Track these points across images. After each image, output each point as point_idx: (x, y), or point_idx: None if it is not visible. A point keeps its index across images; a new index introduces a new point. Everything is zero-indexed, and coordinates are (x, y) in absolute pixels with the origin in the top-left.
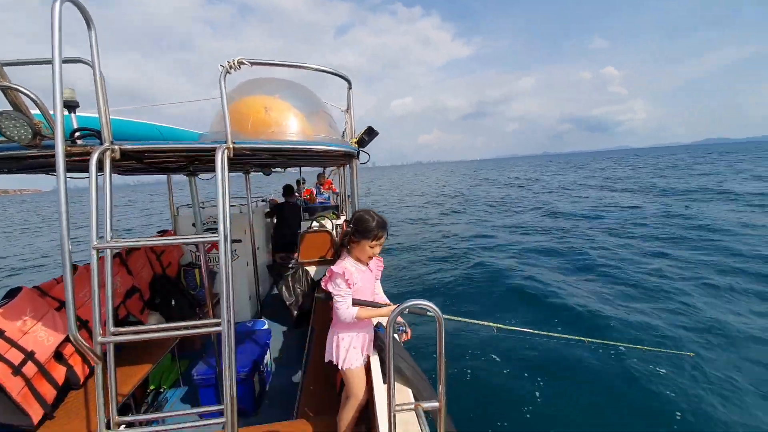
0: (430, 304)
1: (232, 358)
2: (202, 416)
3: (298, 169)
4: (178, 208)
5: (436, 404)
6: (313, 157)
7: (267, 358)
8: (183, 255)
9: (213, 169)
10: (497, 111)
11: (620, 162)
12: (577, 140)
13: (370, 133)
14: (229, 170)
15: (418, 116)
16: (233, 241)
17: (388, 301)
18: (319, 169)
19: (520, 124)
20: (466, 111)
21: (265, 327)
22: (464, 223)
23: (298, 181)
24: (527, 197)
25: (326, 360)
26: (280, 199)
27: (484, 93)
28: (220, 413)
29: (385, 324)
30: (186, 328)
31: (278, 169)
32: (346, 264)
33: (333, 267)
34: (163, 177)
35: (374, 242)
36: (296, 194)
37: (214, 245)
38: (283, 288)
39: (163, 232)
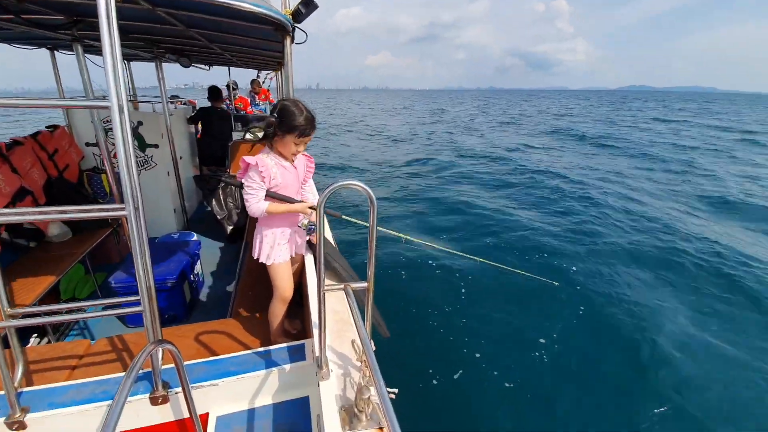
0: (360, 183)
1: (144, 248)
2: (128, 324)
3: (227, 70)
4: (71, 98)
5: (365, 284)
6: (235, 29)
7: (198, 268)
8: (83, 158)
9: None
10: (448, 36)
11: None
12: (521, 77)
13: (308, 5)
14: (135, 55)
15: (366, 34)
16: (150, 146)
17: (316, 195)
18: (253, 74)
19: (470, 54)
20: (417, 34)
21: (194, 238)
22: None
23: (228, 87)
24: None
25: (254, 257)
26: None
27: (436, 14)
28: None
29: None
30: (82, 212)
31: (203, 66)
32: (264, 156)
33: (246, 157)
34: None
35: (300, 139)
36: (227, 101)
37: None
38: (214, 202)
39: (53, 128)
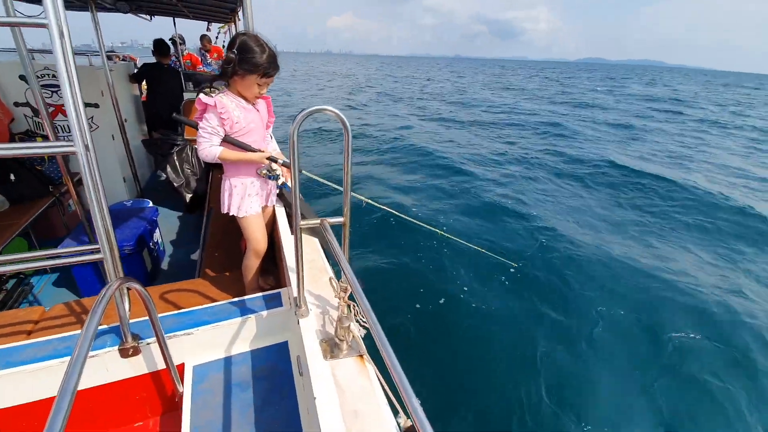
0: (333, 109)
1: (98, 187)
2: (82, 295)
3: (172, 21)
4: None
5: (341, 219)
6: None
7: (157, 236)
8: (13, 119)
9: None
10: None
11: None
12: (486, 46)
13: None
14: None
15: None
16: (87, 105)
17: (276, 146)
18: (201, 29)
19: (436, 18)
20: None
21: (150, 205)
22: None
23: (174, 41)
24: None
25: (223, 212)
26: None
27: None
28: (99, 289)
29: (290, 183)
30: (26, 149)
31: (144, 16)
32: (223, 97)
33: (204, 97)
34: None
35: (263, 79)
36: (173, 57)
37: (59, 109)
38: (168, 168)
39: None
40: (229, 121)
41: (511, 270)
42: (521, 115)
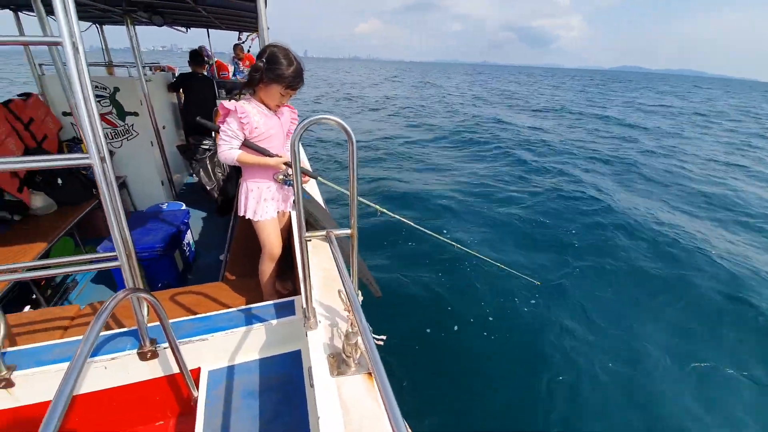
0: (336, 118)
1: (114, 196)
2: (119, 290)
3: (206, 32)
4: (41, 65)
5: (348, 231)
6: None
7: (188, 238)
8: (62, 128)
9: None
10: (443, 5)
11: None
12: (516, 53)
13: None
14: (104, 15)
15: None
16: (129, 114)
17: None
18: (233, 39)
19: (464, 25)
20: (411, 1)
21: (183, 208)
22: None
23: (202, 52)
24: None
25: (239, 214)
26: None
27: None
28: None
29: (309, 191)
30: (46, 161)
31: (180, 28)
32: (245, 103)
33: (226, 102)
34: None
35: (287, 90)
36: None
37: (102, 118)
38: (201, 172)
39: (26, 96)
40: (249, 126)
41: (535, 288)
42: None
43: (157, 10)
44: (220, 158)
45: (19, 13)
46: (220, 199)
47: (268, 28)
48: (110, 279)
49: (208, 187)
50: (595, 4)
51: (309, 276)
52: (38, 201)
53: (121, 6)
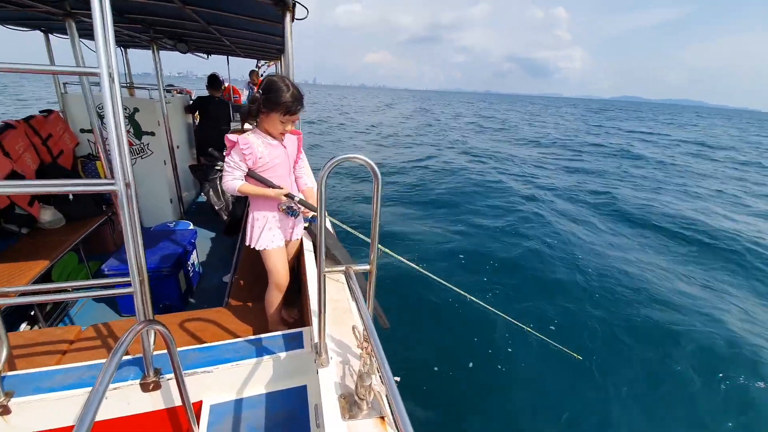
0: (364, 157)
1: (135, 225)
2: (122, 313)
3: (226, 61)
4: (65, 84)
5: (367, 267)
6: (234, 4)
7: (194, 258)
8: (78, 144)
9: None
10: (448, 38)
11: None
12: (518, 82)
13: None
14: (131, 40)
15: (366, 31)
16: (146, 133)
17: (314, 182)
18: (251, 66)
19: (468, 57)
20: (417, 34)
21: (191, 228)
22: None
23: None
24: None
25: (246, 243)
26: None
27: (437, 15)
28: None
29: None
30: (70, 186)
31: (201, 55)
32: (249, 135)
33: (230, 135)
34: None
35: (286, 116)
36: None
37: None
38: (211, 192)
39: (47, 113)
40: (251, 157)
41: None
42: None
43: (182, 39)
44: (224, 189)
45: (50, 35)
46: (228, 219)
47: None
48: (110, 298)
49: (217, 207)
50: (596, 35)
51: (324, 312)
52: (47, 215)
53: (149, 33)
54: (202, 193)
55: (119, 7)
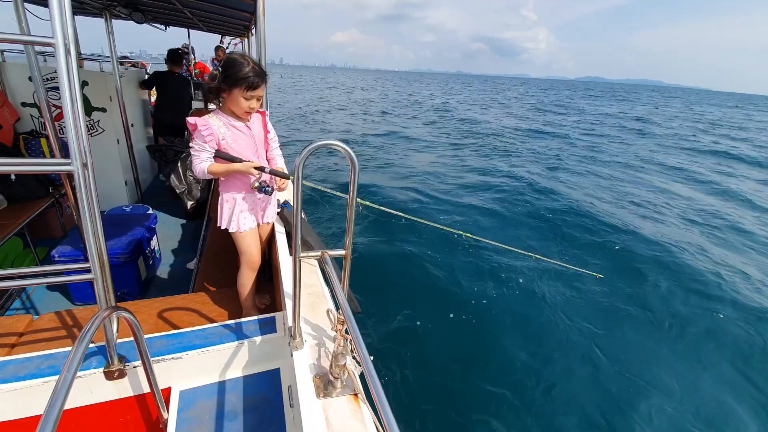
0: (340, 144)
1: (94, 208)
2: (75, 301)
3: (186, 32)
4: (3, 51)
5: (343, 252)
6: None
7: (154, 243)
8: (19, 119)
9: None
10: (416, 16)
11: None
12: (488, 63)
13: None
14: (80, 7)
15: (333, 8)
16: (96, 109)
17: (283, 165)
18: (214, 41)
19: (437, 36)
20: (386, 12)
21: (150, 212)
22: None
23: (182, 50)
24: None
25: (218, 225)
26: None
27: None
28: (92, 295)
29: (292, 203)
30: (23, 165)
31: (159, 26)
32: (211, 116)
33: (190, 118)
34: None
35: (249, 92)
36: (185, 67)
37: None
38: (172, 174)
39: None
40: (213, 138)
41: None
42: None
43: (138, 7)
44: (194, 174)
45: None
46: (191, 203)
47: (254, 36)
48: (62, 285)
49: (178, 191)
50: (560, 16)
51: (299, 296)
52: None
53: (104, 5)
54: (161, 176)
55: None
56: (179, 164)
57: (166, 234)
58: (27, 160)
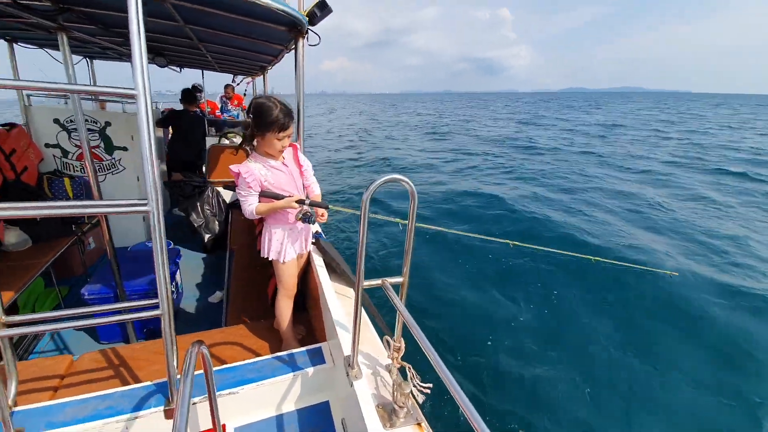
0: (404, 177)
1: (162, 246)
2: (100, 340)
3: (200, 74)
4: (29, 96)
5: (400, 279)
6: (239, 27)
7: (177, 278)
8: (43, 160)
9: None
10: (402, 42)
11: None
12: (473, 81)
13: (323, 8)
14: (103, 52)
15: (321, 37)
16: (117, 148)
17: (319, 192)
18: (225, 80)
19: (424, 59)
20: (372, 39)
21: (172, 246)
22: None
23: (195, 88)
24: None
25: (262, 256)
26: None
27: (387, 20)
28: (120, 334)
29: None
30: (105, 207)
31: (175, 68)
32: (250, 162)
33: (233, 166)
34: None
35: (281, 133)
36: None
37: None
38: (189, 209)
39: (9, 126)
40: (255, 182)
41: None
42: None
43: (162, 52)
44: (245, 215)
45: (15, 44)
46: (209, 236)
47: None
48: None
49: (196, 225)
50: (539, 34)
51: (360, 324)
52: (12, 237)
53: (128, 46)
54: (176, 210)
55: (110, 22)
56: (197, 199)
57: (185, 268)
58: (105, 202)
